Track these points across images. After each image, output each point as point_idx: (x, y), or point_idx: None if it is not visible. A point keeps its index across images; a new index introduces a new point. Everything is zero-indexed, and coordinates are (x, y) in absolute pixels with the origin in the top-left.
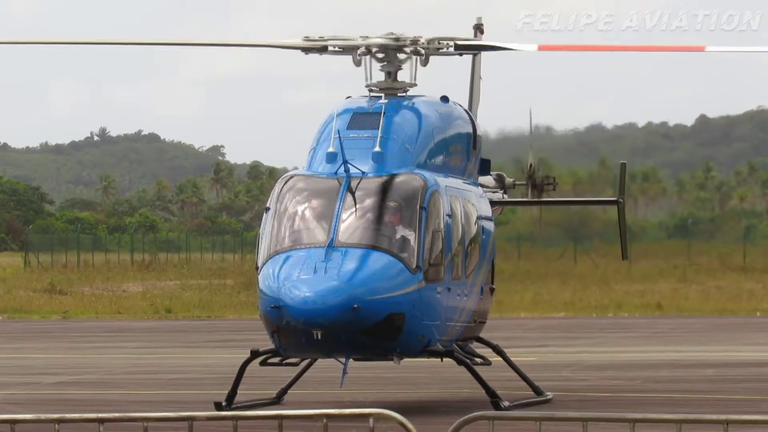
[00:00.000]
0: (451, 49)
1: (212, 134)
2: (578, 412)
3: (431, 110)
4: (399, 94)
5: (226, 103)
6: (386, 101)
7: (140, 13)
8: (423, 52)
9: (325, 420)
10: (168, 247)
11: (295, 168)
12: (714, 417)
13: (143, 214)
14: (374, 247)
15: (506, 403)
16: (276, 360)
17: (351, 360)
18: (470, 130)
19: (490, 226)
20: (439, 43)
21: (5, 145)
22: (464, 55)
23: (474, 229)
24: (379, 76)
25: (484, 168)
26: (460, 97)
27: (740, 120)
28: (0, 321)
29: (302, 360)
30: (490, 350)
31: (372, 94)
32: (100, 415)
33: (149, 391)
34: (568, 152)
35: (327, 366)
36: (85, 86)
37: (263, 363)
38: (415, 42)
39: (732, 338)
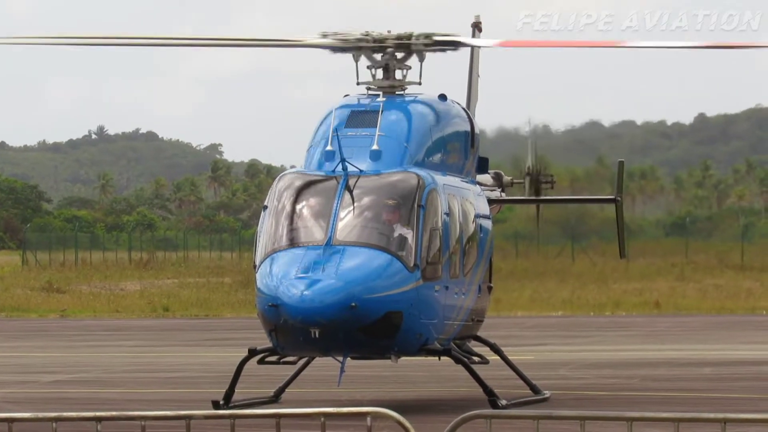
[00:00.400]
0: (421, 46)
1: (210, 133)
2: (576, 411)
3: (429, 108)
4: (397, 93)
5: (223, 101)
6: (384, 99)
7: (140, 12)
8: (413, 49)
9: (322, 418)
10: (166, 245)
11: (293, 166)
12: (712, 415)
13: (141, 212)
14: (372, 246)
15: (504, 402)
16: (274, 358)
17: (348, 358)
18: (468, 128)
19: (488, 224)
20: (416, 39)
21: (3, 143)
22: (447, 51)
23: (472, 227)
24: (377, 74)
25: (482, 166)
26: (457, 95)
27: (738, 118)
28: None
29: (300, 358)
30: (488, 349)
31: (370, 92)
32: (98, 413)
33: (147, 389)
34: (566, 150)
35: (324, 364)
36: (82, 84)
37: (261, 361)
38: (401, 38)
39: (730, 337)
